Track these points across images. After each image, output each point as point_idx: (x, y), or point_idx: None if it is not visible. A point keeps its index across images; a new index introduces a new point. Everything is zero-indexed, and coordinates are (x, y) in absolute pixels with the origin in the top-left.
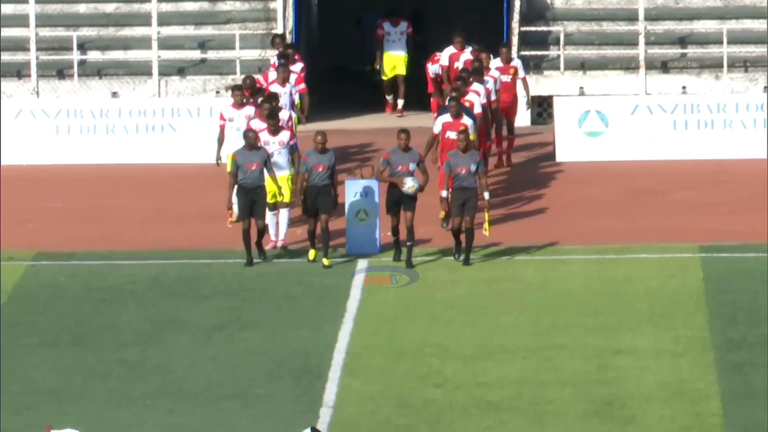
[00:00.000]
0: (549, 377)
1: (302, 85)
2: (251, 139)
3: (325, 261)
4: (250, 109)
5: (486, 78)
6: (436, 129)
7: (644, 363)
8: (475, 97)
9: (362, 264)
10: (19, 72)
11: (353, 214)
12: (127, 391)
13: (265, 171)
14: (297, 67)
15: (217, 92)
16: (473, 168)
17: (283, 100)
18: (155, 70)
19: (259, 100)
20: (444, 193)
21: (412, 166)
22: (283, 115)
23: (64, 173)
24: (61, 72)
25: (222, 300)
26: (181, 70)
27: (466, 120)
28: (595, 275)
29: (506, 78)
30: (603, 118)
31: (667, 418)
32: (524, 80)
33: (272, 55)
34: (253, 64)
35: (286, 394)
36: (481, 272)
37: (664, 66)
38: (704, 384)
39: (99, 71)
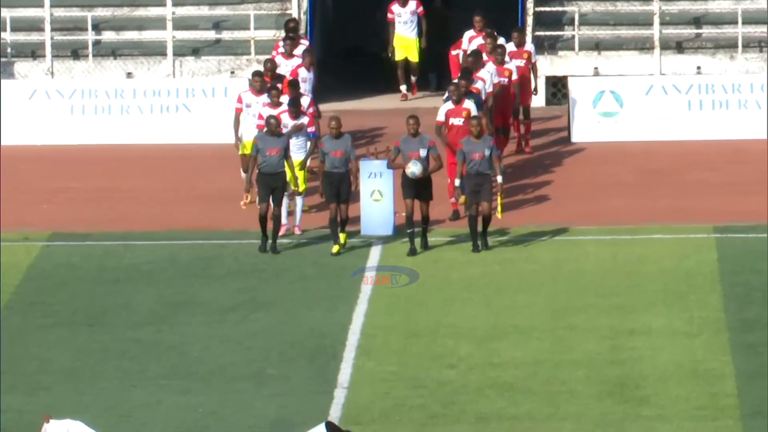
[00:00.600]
0: (563, 358)
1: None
2: (273, 126)
3: (342, 237)
4: (265, 98)
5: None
6: (440, 117)
7: (658, 343)
8: (481, 84)
9: (377, 244)
10: (34, 52)
11: (368, 194)
12: (141, 372)
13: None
14: (300, 51)
15: (232, 72)
16: (487, 153)
17: (306, 86)
18: (170, 51)
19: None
20: (457, 182)
21: (423, 152)
22: (304, 101)
23: (78, 154)
24: (76, 52)
25: (236, 280)
26: (196, 50)
27: (468, 104)
28: (609, 256)
29: (520, 63)
30: (618, 98)
31: (682, 398)
32: (534, 65)
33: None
34: (268, 45)
35: (300, 374)
36: (496, 253)
37: (679, 46)
38: (718, 364)
39: (114, 51)
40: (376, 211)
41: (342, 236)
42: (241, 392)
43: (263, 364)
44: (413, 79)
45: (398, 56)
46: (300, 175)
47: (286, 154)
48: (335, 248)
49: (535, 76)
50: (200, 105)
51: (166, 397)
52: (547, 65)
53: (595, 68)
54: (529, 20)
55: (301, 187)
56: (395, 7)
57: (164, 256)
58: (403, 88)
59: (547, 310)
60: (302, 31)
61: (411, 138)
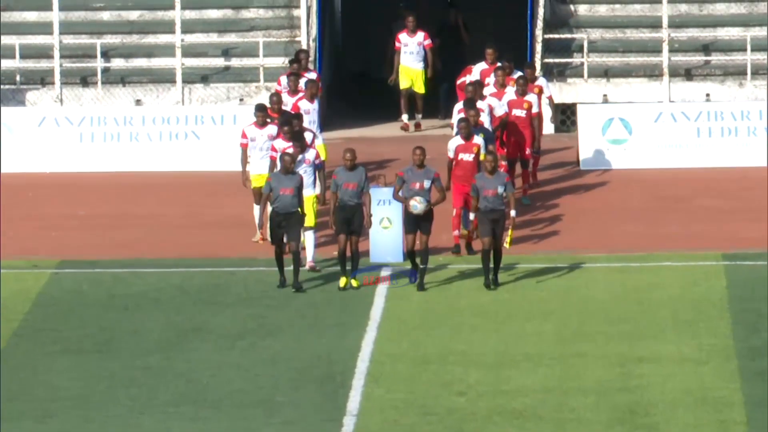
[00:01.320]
0: (572, 385)
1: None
2: (287, 162)
3: (354, 282)
4: (272, 128)
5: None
6: (450, 153)
7: (668, 370)
8: (483, 116)
9: (386, 272)
10: (43, 79)
11: (377, 221)
12: (150, 399)
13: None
14: (311, 76)
15: (241, 100)
16: (500, 190)
17: (310, 117)
18: (179, 78)
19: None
20: (472, 216)
21: (427, 183)
22: (308, 135)
23: (87, 181)
24: (85, 79)
25: (245, 307)
26: (205, 77)
27: (478, 139)
28: (619, 283)
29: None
30: (627, 125)
31: (691, 425)
32: (550, 98)
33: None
34: (277, 72)
35: (309, 401)
36: (505, 280)
37: (688, 73)
38: (728, 392)
39: (123, 79)
40: (386, 239)
41: (354, 281)
42: (251, 419)
43: (272, 391)
44: (418, 116)
45: (402, 85)
46: (310, 210)
47: (299, 192)
48: (342, 281)
49: (552, 108)
50: (209, 132)
51: (175, 425)
52: (556, 92)
53: (604, 95)
54: (538, 47)
55: (312, 222)
56: (403, 36)
57: (173, 283)
58: (404, 117)
59: (556, 337)
60: (311, 57)
61: (416, 169)
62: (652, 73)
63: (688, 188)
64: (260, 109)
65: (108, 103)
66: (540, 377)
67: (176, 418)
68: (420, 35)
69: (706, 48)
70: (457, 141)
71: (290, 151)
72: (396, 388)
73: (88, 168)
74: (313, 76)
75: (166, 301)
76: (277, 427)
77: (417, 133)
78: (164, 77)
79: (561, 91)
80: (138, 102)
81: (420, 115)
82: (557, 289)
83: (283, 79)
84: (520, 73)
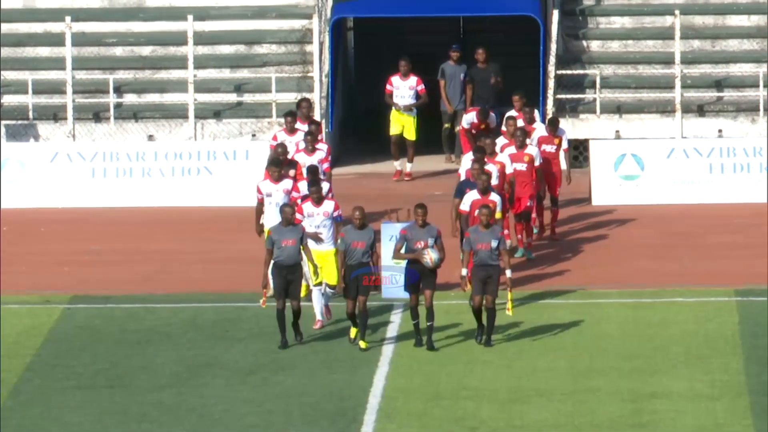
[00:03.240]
0: (584, 420)
1: (326, 165)
2: (287, 214)
3: (362, 344)
4: (287, 183)
5: (530, 142)
6: (465, 207)
7: (680, 406)
8: (492, 167)
9: (398, 308)
10: (56, 115)
11: (388, 257)
12: None
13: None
14: (321, 147)
15: (254, 135)
16: (494, 244)
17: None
18: (191, 113)
19: (291, 171)
20: (464, 272)
21: (430, 242)
22: (324, 185)
23: (100, 216)
24: (98, 115)
25: (257, 342)
26: (218, 113)
27: (494, 197)
28: (631, 318)
29: (551, 148)
30: (639, 161)
31: None
32: (566, 152)
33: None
34: (289, 107)
35: None
36: (517, 315)
37: (700, 109)
38: (740, 428)
39: (135, 114)
40: (397, 275)
41: (363, 343)
42: None
43: (284, 427)
44: (408, 166)
45: (393, 131)
46: (333, 267)
47: (302, 243)
48: (353, 332)
49: (567, 163)
50: (221, 168)
51: None
52: (569, 128)
53: (617, 131)
54: (551, 83)
55: (335, 280)
56: (395, 80)
57: (185, 318)
58: (396, 164)
59: (568, 373)
60: (323, 93)
61: (418, 227)
62: (665, 109)
63: (701, 224)
64: (275, 163)
65: (120, 139)
66: (552, 413)
67: None
68: (413, 79)
69: (719, 84)
70: (473, 195)
71: (289, 202)
72: (408, 423)
73: (101, 203)
74: (323, 147)
75: (179, 336)
76: None
77: (433, 162)
78: (177, 113)
79: (573, 127)
80: (150, 137)
81: (411, 164)
82: (569, 324)
83: (280, 134)
84: (537, 123)
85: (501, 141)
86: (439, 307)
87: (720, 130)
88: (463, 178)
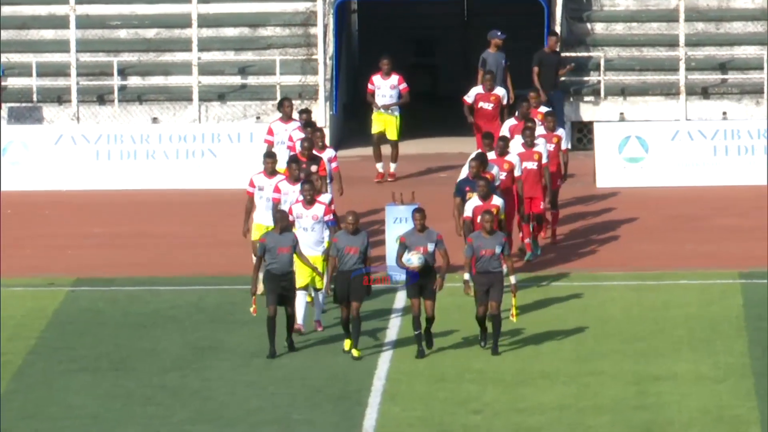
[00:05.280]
0: (588, 403)
1: (335, 164)
2: (280, 220)
3: (355, 353)
4: (281, 178)
5: (538, 141)
6: (467, 213)
7: (684, 389)
8: (496, 169)
9: (402, 291)
10: (60, 97)
11: (393, 240)
12: (166, 417)
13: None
14: (328, 153)
15: (258, 118)
16: (497, 250)
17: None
18: (195, 96)
19: (313, 167)
20: (467, 276)
21: (430, 247)
22: (325, 198)
23: (104, 199)
24: (102, 97)
25: (261, 326)
26: (222, 95)
27: (497, 200)
28: (635, 301)
29: (550, 147)
30: (643, 143)
31: None
32: (565, 152)
33: (312, 82)
34: (294, 90)
35: (325, 420)
36: (521, 298)
37: (705, 92)
38: (744, 410)
39: (139, 97)
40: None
41: (356, 352)
42: None
43: (288, 410)
44: (392, 166)
45: (374, 129)
46: (319, 268)
47: (295, 249)
48: (347, 343)
49: (565, 164)
50: (226, 150)
51: None
52: (573, 111)
53: (621, 114)
54: None
55: (319, 282)
56: (376, 79)
57: (190, 301)
58: (378, 166)
59: (572, 356)
60: (327, 76)
61: (417, 233)
62: (669, 91)
63: (705, 207)
64: (270, 155)
65: (124, 121)
66: (556, 395)
67: None
68: (394, 78)
69: (723, 66)
70: (474, 202)
71: (283, 208)
72: (412, 406)
73: (105, 186)
74: (330, 153)
75: (183, 319)
76: None
77: (439, 148)
78: (181, 95)
79: (578, 110)
80: (154, 120)
81: (395, 164)
82: (573, 307)
83: (275, 124)
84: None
85: (510, 122)
86: (444, 290)
87: (724, 113)
88: (463, 176)
